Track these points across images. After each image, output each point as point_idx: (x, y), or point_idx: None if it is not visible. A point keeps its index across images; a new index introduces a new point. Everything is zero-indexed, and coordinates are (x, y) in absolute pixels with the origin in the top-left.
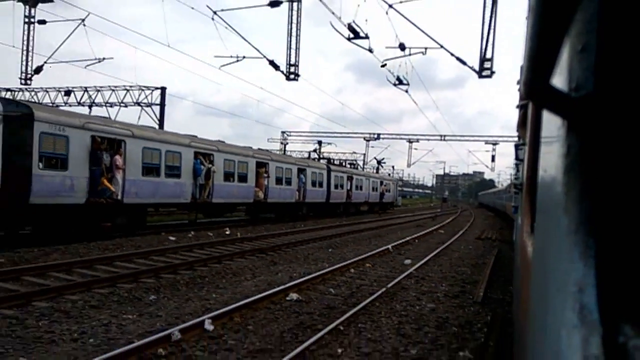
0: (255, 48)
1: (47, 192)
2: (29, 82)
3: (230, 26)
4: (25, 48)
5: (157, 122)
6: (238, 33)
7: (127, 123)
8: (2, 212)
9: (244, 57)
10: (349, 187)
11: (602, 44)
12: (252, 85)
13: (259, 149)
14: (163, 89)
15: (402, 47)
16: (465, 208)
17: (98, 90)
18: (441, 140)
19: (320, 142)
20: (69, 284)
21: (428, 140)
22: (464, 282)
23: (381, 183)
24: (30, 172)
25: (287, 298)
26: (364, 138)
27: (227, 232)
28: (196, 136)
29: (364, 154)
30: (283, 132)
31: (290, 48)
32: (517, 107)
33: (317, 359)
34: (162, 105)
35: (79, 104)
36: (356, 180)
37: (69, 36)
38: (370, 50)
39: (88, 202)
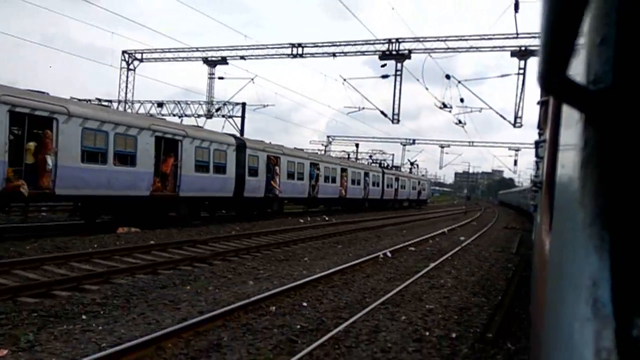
0: (371, 102)
1: (249, 190)
2: (208, 117)
3: (354, 88)
4: (208, 97)
5: (239, 130)
6: (360, 93)
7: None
8: (233, 203)
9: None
10: (396, 187)
11: (622, 37)
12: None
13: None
14: (243, 104)
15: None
16: (487, 206)
17: (188, 104)
18: (469, 146)
19: (357, 145)
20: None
21: (458, 145)
22: (502, 246)
23: (418, 183)
24: (244, 178)
25: (409, 249)
26: (401, 143)
27: (327, 219)
28: (263, 141)
29: (393, 154)
30: (329, 137)
31: (394, 102)
32: (538, 103)
33: (438, 276)
34: (242, 117)
35: (171, 114)
36: (401, 180)
37: (241, 89)
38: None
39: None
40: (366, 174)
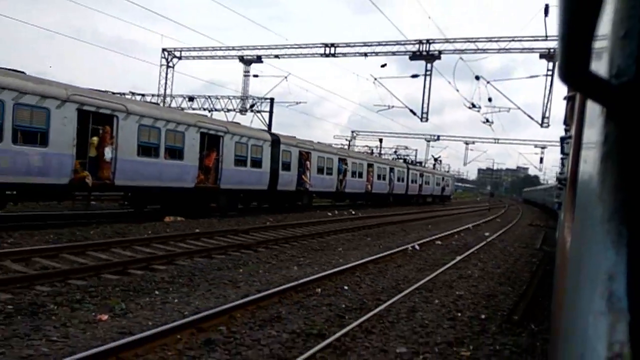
0: (400, 100)
1: (282, 183)
2: (243, 113)
3: (386, 88)
4: (243, 93)
5: (267, 125)
6: (390, 92)
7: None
8: (267, 196)
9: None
10: (420, 182)
11: None
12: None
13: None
14: (272, 100)
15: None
16: (510, 203)
17: (217, 98)
18: (495, 143)
19: (381, 140)
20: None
21: (483, 142)
22: (526, 242)
23: (442, 179)
24: (278, 172)
25: (436, 243)
26: (425, 139)
27: (353, 213)
28: (295, 137)
29: (416, 150)
30: (353, 132)
31: (423, 100)
32: (565, 98)
33: (465, 267)
34: (270, 112)
35: (201, 108)
36: (425, 176)
37: (275, 86)
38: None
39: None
40: (391, 170)
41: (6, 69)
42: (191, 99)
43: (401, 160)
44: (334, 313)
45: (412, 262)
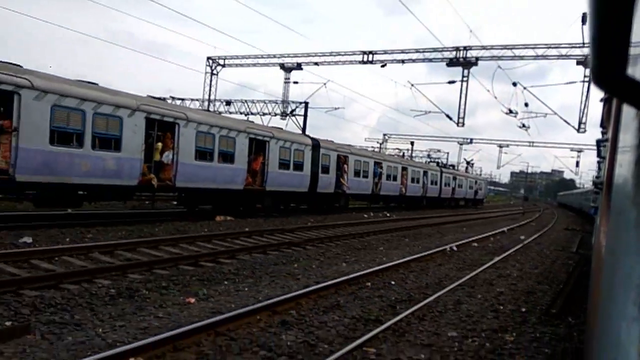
0: (436, 105)
1: (322, 186)
2: (283, 118)
3: (423, 94)
4: (283, 98)
5: (301, 128)
6: (427, 97)
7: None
8: (308, 198)
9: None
10: (453, 185)
11: None
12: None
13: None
14: (306, 104)
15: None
16: (545, 207)
17: (253, 102)
18: (530, 146)
19: (412, 143)
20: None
21: (517, 145)
22: (563, 246)
23: (475, 182)
24: (317, 175)
25: (473, 245)
26: (458, 142)
27: (388, 215)
28: (333, 141)
29: (448, 152)
30: (385, 134)
31: (459, 106)
32: (601, 100)
33: (504, 267)
34: (305, 116)
35: (238, 112)
36: (458, 179)
37: (314, 92)
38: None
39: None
40: (425, 173)
41: (84, 81)
42: (228, 102)
43: (434, 164)
44: (385, 303)
45: (452, 262)
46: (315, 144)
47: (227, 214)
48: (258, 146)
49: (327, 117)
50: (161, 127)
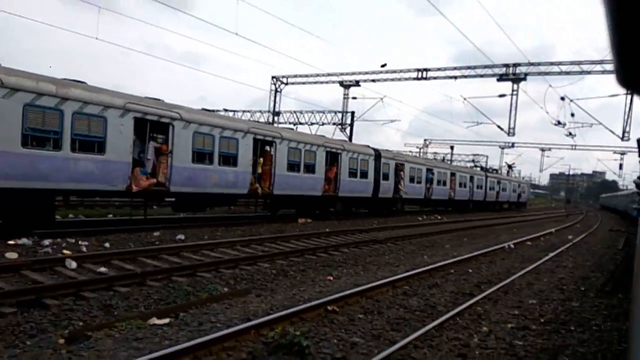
0: (487, 117)
1: (383, 191)
2: (342, 130)
3: (478, 110)
4: (343, 112)
5: (348, 137)
6: (479, 110)
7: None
8: (371, 202)
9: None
10: (497, 189)
11: None
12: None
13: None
14: (352, 113)
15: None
16: (588, 210)
17: (301, 112)
18: (572, 149)
19: (452, 147)
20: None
21: (559, 148)
22: (609, 244)
23: (518, 185)
24: (379, 182)
25: (526, 243)
26: (499, 146)
27: (439, 218)
28: (391, 150)
29: (487, 156)
30: (425, 140)
31: (510, 117)
32: None
33: (560, 261)
34: (351, 125)
35: (287, 122)
36: (502, 183)
37: (372, 107)
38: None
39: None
40: (471, 178)
41: (208, 109)
42: (277, 113)
43: (478, 168)
44: (472, 284)
45: (512, 257)
46: (377, 154)
47: (307, 216)
48: (332, 157)
49: (359, 122)
50: (263, 144)
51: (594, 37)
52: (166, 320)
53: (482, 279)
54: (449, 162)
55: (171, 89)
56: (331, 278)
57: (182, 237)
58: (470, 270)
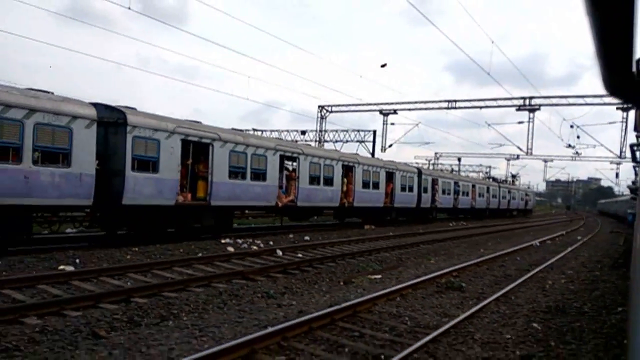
0: (510, 140)
1: (423, 202)
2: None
3: (500, 133)
4: (383, 135)
5: (370, 153)
6: (501, 133)
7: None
8: (414, 211)
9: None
10: (509, 198)
11: None
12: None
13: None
14: (374, 132)
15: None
16: (587, 215)
17: (325, 131)
18: (572, 160)
19: (459, 159)
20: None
21: (561, 160)
22: (612, 242)
23: (525, 194)
24: (421, 194)
25: (547, 242)
26: (505, 158)
27: (464, 224)
28: (427, 168)
29: (490, 167)
30: (436, 153)
31: (527, 139)
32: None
33: (578, 252)
34: (373, 142)
35: (312, 140)
36: (512, 192)
37: (408, 131)
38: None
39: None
40: (487, 189)
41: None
42: (303, 132)
43: (491, 179)
44: (525, 265)
45: (541, 251)
46: (419, 172)
47: (371, 223)
48: (389, 176)
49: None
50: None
51: (584, 46)
52: (379, 276)
53: (529, 263)
54: (457, 173)
55: (164, 101)
56: (433, 261)
57: (307, 237)
58: (519, 258)
